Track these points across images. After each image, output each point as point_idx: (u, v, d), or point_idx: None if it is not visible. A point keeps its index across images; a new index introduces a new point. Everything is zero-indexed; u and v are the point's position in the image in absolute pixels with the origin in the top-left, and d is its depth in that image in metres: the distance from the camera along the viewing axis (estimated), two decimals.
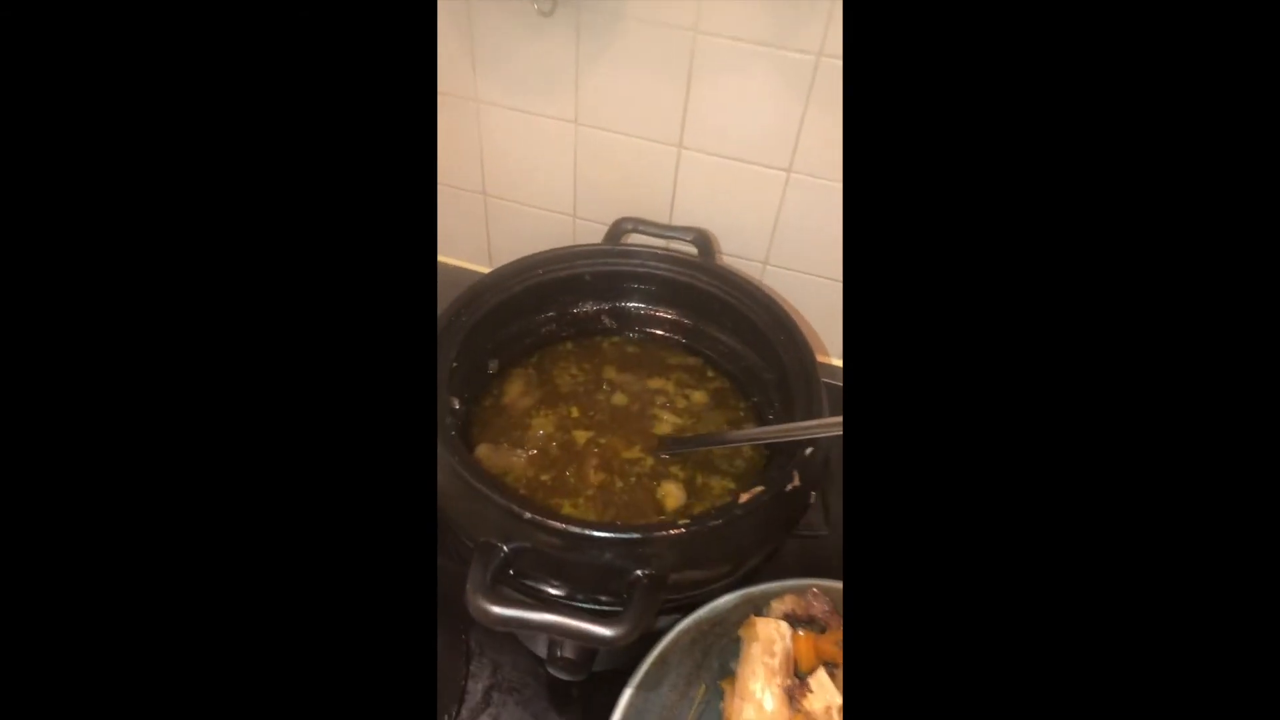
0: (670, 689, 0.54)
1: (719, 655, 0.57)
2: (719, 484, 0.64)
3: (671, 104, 0.74)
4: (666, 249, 0.72)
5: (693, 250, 0.75)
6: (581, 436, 0.65)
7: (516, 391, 0.68)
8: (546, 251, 0.70)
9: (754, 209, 0.79)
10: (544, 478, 0.62)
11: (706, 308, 0.71)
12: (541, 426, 0.65)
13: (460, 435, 0.58)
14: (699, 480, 0.64)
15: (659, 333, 0.75)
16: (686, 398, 0.70)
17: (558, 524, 0.49)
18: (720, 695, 0.55)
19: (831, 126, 0.72)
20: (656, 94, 0.73)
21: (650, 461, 0.64)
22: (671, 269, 0.70)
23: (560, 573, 0.51)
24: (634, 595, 0.48)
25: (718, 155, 0.77)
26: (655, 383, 0.71)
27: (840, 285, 0.82)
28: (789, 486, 0.53)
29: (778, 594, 0.57)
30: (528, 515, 0.49)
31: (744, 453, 0.66)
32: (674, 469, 0.64)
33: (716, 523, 0.50)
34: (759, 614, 0.58)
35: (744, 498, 0.52)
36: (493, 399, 0.68)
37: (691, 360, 0.73)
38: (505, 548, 0.50)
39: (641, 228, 0.76)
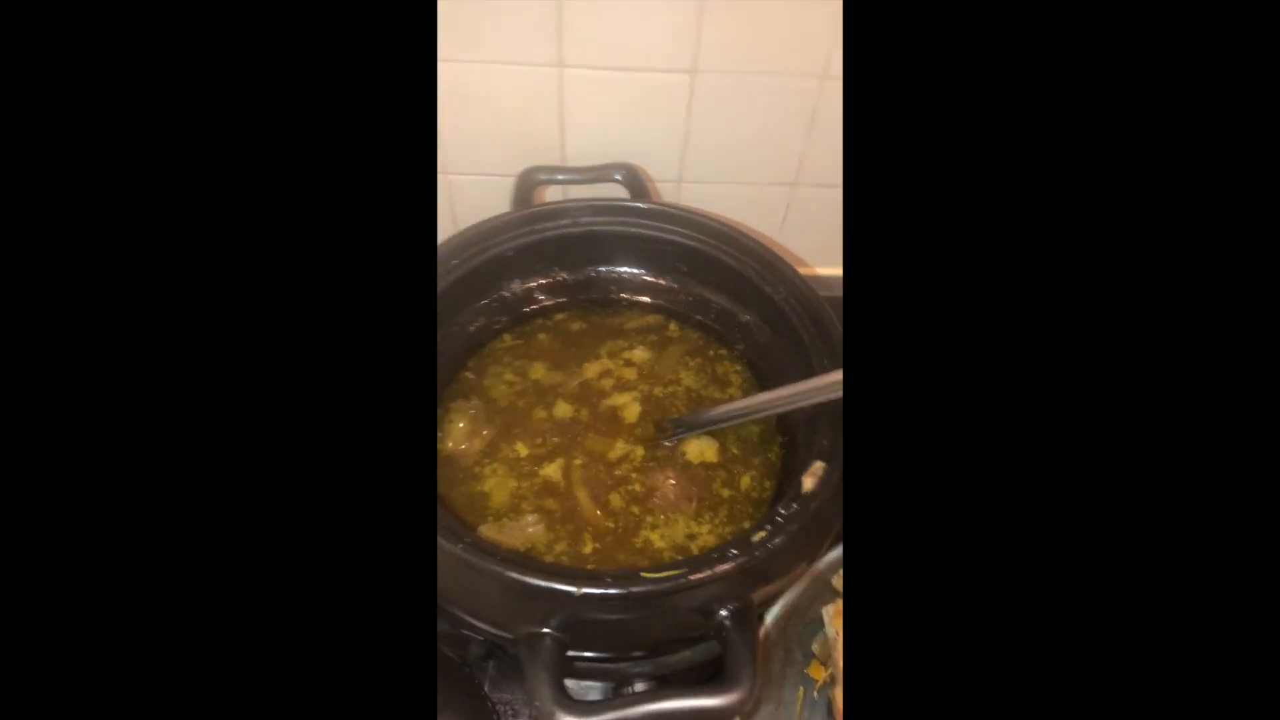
0: (769, 705, 0.48)
1: (800, 646, 0.51)
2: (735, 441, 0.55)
3: (542, 16, 0.60)
4: (591, 200, 0.59)
5: (623, 191, 0.62)
6: (554, 471, 0.54)
7: (461, 433, 0.55)
8: (456, 237, 0.56)
9: (658, 123, 0.68)
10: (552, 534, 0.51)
11: (660, 256, 0.61)
12: (497, 480, 0.53)
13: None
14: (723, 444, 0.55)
15: (615, 295, 0.63)
16: (631, 362, 0.60)
17: (633, 588, 0.39)
18: (814, 685, 0.50)
19: (734, 13, 0.61)
20: (523, 8, 0.59)
21: (640, 451, 0.55)
22: (615, 221, 0.58)
23: (627, 639, 0.42)
24: (730, 640, 0.40)
25: (606, 68, 0.64)
26: (592, 368, 0.59)
27: (765, 188, 0.74)
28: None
29: (842, 561, 0.52)
30: (581, 591, 0.39)
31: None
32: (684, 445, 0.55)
33: (794, 526, 0.42)
34: (829, 588, 0.52)
35: (809, 483, 0.45)
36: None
37: (651, 319, 0.63)
38: (552, 631, 0.40)
39: (558, 177, 0.62)
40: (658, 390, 0.58)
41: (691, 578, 0.40)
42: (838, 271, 0.82)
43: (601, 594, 0.40)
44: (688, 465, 0.54)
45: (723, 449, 0.55)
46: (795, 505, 0.44)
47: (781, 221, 0.78)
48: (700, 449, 0.55)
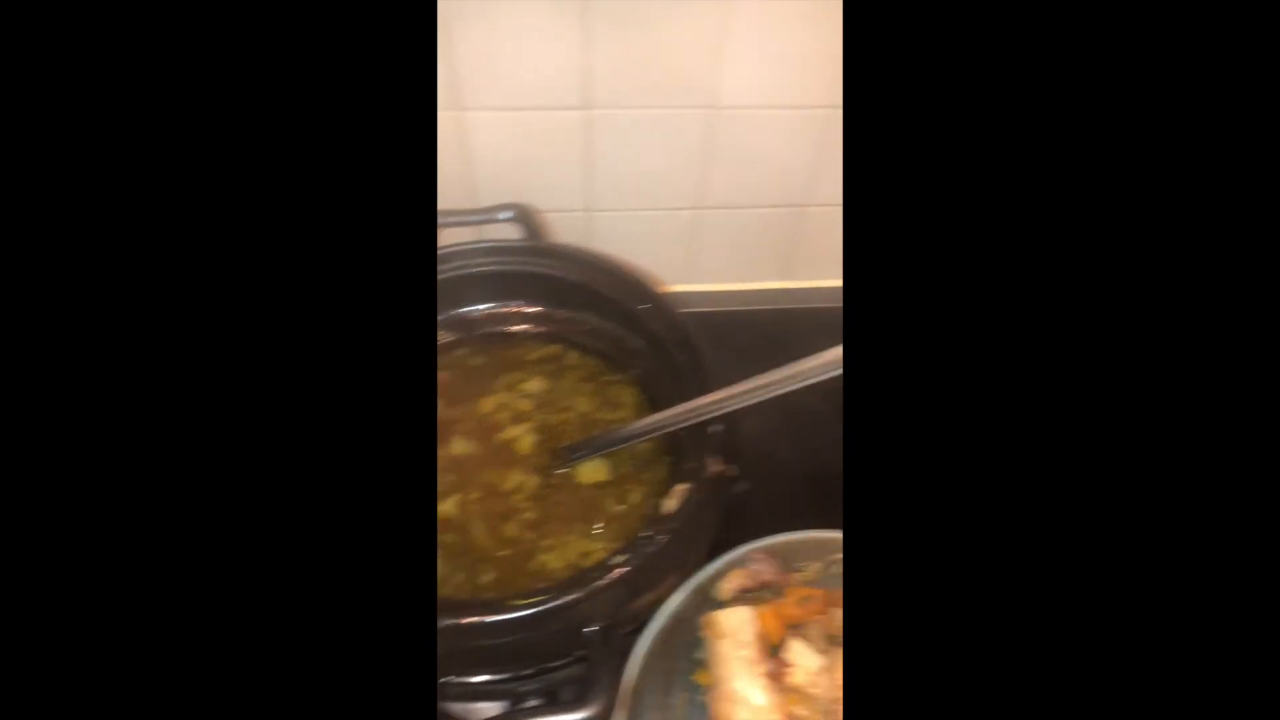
0: (654, 712, 0.52)
1: (684, 653, 0.54)
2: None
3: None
4: (481, 241, 0.63)
5: (513, 231, 0.66)
6: (450, 507, 0.57)
7: None
8: None
9: (558, 159, 0.71)
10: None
11: (553, 292, 0.64)
12: None
13: None
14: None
15: (509, 329, 0.67)
16: (526, 393, 0.63)
17: (505, 615, 0.43)
18: (698, 690, 0.54)
19: (623, 48, 0.64)
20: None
21: (534, 480, 0.58)
22: (500, 262, 0.62)
23: (508, 660, 0.46)
24: (594, 659, 0.44)
25: (503, 109, 0.67)
26: (488, 402, 0.63)
27: (670, 213, 0.78)
28: (711, 473, 0.49)
29: (722, 574, 0.55)
30: (443, 624, 0.43)
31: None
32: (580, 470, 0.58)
33: (656, 546, 0.46)
34: (709, 600, 0.56)
35: (670, 504, 0.48)
36: None
37: (551, 349, 0.66)
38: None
39: (449, 220, 0.65)
40: (552, 418, 0.61)
41: (553, 605, 0.44)
42: (752, 285, 0.85)
43: (473, 623, 0.43)
44: (579, 487, 0.58)
45: (613, 469, 0.58)
46: (653, 529, 0.47)
47: (689, 242, 0.81)
48: (593, 470, 0.58)
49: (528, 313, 0.66)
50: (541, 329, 0.66)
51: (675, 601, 0.54)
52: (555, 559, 0.55)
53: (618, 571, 0.45)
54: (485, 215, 0.65)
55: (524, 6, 0.61)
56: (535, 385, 0.63)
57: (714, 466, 0.50)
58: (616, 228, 0.78)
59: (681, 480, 0.49)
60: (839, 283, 0.82)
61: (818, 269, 0.84)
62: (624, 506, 0.57)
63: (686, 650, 0.55)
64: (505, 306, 0.66)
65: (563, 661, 0.48)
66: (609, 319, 0.63)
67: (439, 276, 0.62)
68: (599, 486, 0.58)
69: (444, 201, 0.69)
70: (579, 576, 0.45)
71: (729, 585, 0.54)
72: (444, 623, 0.43)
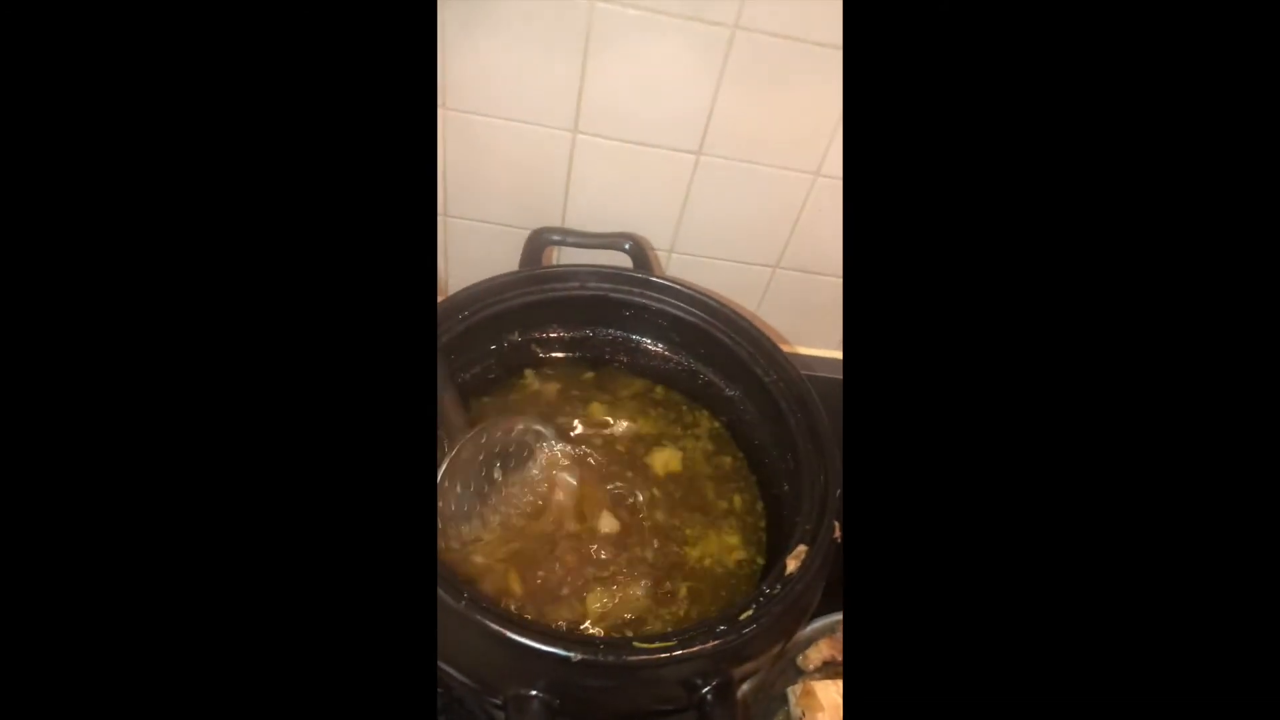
0: None
1: None
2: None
3: (566, 83, 0.63)
4: (594, 266, 0.62)
5: (626, 259, 0.65)
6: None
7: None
8: (466, 290, 0.57)
9: (659, 195, 0.71)
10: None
11: (658, 327, 0.63)
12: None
13: None
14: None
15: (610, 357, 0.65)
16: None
17: (626, 657, 0.40)
18: None
19: (745, 105, 0.65)
20: (548, 72, 0.61)
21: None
22: (621, 290, 0.61)
23: (612, 706, 0.43)
24: (711, 714, 0.42)
25: (619, 140, 0.67)
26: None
27: (745, 267, 0.78)
28: (835, 536, 0.48)
29: (811, 641, 0.54)
30: (577, 658, 0.40)
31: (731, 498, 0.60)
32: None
33: (778, 607, 0.44)
34: (795, 668, 0.54)
35: (793, 565, 0.47)
36: None
37: (639, 384, 0.65)
38: (540, 694, 0.41)
39: (569, 240, 0.64)
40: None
41: (680, 652, 0.42)
42: (808, 350, 0.86)
43: (594, 660, 0.41)
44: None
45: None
46: (780, 586, 0.46)
47: (760, 299, 0.82)
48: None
49: (624, 341, 0.65)
50: (639, 362, 0.65)
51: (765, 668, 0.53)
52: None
53: (745, 629, 0.43)
54: (604, 241, 0.64)
55: (666, 47, 0.61)
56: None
57: (836, 534, 0.49)
58: (691, 273, 0.78)
59: (801, 542, 0.48)
60: None
61: None
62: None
63: (764, 719, 0.53)
64: (604, 333, 0.64)
65: (659, 716, 0.46)
66: (709, 364, 0.63)
67: (543, 296, 0.60)
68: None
69: (535, 213, 0.68)
70: (703, 626, 0.43)
71: (816, 655, 0.53)
72: (556, 653, 0.40)
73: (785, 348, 0.85)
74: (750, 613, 0.44)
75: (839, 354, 0.87)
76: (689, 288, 0.62)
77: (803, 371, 0.57)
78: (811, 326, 0.84)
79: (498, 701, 0.41)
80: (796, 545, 0.48)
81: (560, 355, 0.64)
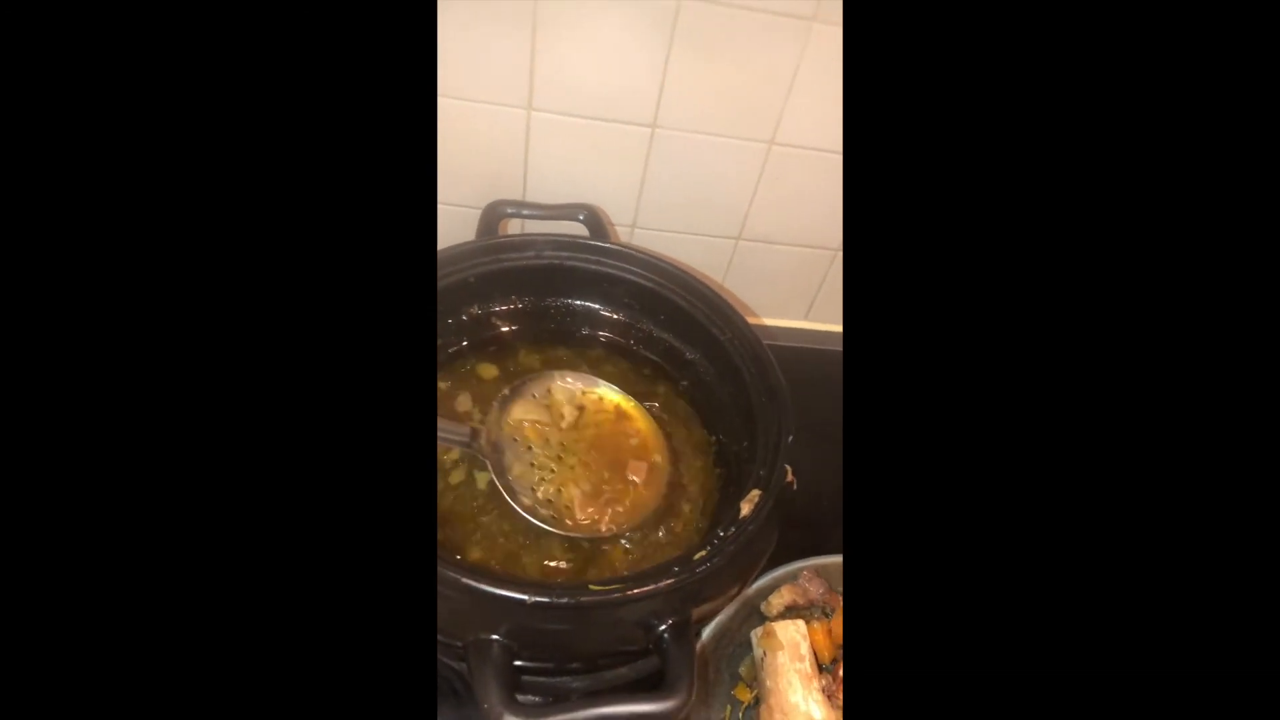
0: None
1: (729, 668, 0.54)
2: None
3: (517, 61, 0.64)
4: (550, 234, 0.63)
5: (583, 230, 0.66)
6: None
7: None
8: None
9: (617, 171, 0.72)
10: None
11: (614, 293, 0.64)
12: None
13: None
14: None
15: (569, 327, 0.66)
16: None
17: (581, 598, 0.41)
18: (740, 706, 0.53)
19: (696, 76, 0.67)
20: (499, 50, 0.62)
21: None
22: (576, 258, 0.62)
23: (572, 648, 0.44)
24: (669, 652, 0.43)
25: (573, 115, 0.68)
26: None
27: (710, 240, 0.79)
28: (787, 481, 0.50)
29: (773, 589, 0.55)
30: (532, 600, 0.41)
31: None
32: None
33: (732, 547, 0.46)
34: (759, 614, 0.55)
35: (746, 509, 0.48)
36: None
37: (596, 353, 0.66)
38: (500, 638, 0.42)
39: (524, 211, 0.65)
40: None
41: (634, 591, 0.43)
42: (775, 321, 0.87)
43: (549, 602, 0.42)
44: None
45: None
46: (734, 528, 0.47)
47: (725, 272, 0.83)
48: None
49: (582, 310, 0.66)
50: (600, 332, 0.66)
51: (725, 613, 0.54)
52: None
53: (698, 568, 0.44)
54: (559, 212, 0.65)
55: (614, 19, 0.62)
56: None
57: (789, 478, 0.50)
58: (655, 248, 0.79)
59: (756, 487, 0.49)
60: None
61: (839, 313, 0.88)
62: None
63: (730, 663, 0.54)
64: (562, 302, 0.65)
65: (620, 658, 0.47)
66: (668, 329, 0.64)
67: (499, 266, 0.61)
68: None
69: (496, 193, 0.69)
70: (658, 568, 0.44)
71: (779, 600, 0.54)
72: (513, 597, 0.41)
73: (752, 320, 0.87)
74: (704, 553, 0.45)
75: (806, 324, 0.88)
76: (643, 253, 0.63)
77: (769, 343, 0.58)
78: (778, 297, 0.86)
79: (459, 645, 0.42)
80: (750, 490, 0.49)
81: (517, 327, 0.65)
